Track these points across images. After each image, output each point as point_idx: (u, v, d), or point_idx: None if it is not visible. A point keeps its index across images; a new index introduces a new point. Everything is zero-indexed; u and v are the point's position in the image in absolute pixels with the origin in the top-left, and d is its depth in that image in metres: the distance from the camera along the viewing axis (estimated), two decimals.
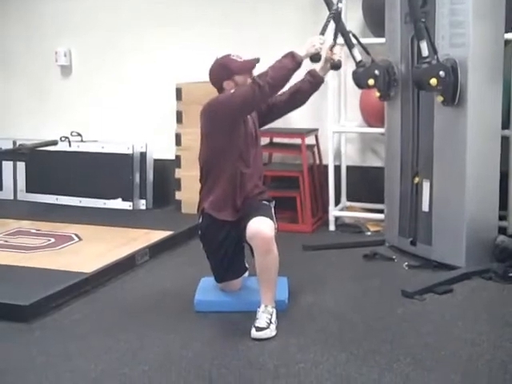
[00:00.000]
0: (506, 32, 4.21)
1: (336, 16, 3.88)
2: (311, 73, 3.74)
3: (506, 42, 4.26)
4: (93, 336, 3.40)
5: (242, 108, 3.49)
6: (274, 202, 3.67)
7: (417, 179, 4.36)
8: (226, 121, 3.48)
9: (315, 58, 3.59)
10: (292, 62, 3.45)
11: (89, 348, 3.27)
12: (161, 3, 5.88)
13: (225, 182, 3.54)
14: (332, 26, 3.86)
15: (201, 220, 3.64)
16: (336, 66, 3.81)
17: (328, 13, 3.86)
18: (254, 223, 3.39)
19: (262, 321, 3.32)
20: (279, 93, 3.62)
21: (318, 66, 3.74)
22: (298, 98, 3.76)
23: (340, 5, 3.89)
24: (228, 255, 3.64)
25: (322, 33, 3.66)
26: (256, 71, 3.53)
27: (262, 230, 3.37)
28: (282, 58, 3.48)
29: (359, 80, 4.46)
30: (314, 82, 3.74)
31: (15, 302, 3.61)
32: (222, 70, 3.57)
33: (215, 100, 3.55)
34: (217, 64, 3.61)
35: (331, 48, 3.79)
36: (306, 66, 3.62)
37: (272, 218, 3.49)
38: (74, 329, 3.51)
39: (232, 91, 3.50)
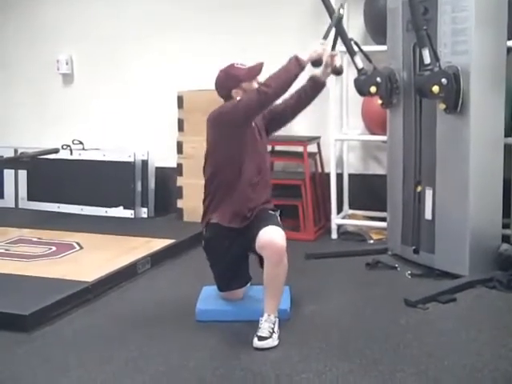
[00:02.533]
0: (509, 39, 4.20)
1: (337, 22, 3.87)
2: (313, 78, 3.74)
3: (509, 49, 4.25)
4: (93, 346, 3.38)
5: (247, 114, 3.47)
6: (279, 212, 3.65)
7: (419, 188, 4.35)
8: (233, 128, 3.47)
9: (316, 63, 3.62)
10: (296, 66, 3.44)
11: (89, 358, 3.24)
12: (162, 12, 5.89)
13: (235, 194, 3.49)
14: (333, 31, 3.87)
15: (205, 231, 3.61)
16: (337, 71, 3.81)
17: (330, 19, 3.86)
18: (266, 233, 3.36)
19: (264, 330, 3.29)
20: (282, 99, 3.61)
21: (318, 71, 3.73)
22: (301, 103, 3.76)
23: (342, 11, 3.88)
24: (233, 263, 3.62)
25: (325, 37, 3.66)
26: (261, 76, 3.53)
27: (275, 239, 3.34)
28: (286, 63, 3.47)
29: (361, 87, 4.45)
30: (315, 87, 3.73)
31: (15, 312, 3.58)
32: (229, 79, 3.54)
33: (220, 108, 3.54)
34: (222, 74, 3.58)
35: (332, 54, 3.76)
36: (308, 70, 3.62)
37: (282, 228, 3.46)
38: (75, 339, 3.49)
39: (238, 98, 3.49)
